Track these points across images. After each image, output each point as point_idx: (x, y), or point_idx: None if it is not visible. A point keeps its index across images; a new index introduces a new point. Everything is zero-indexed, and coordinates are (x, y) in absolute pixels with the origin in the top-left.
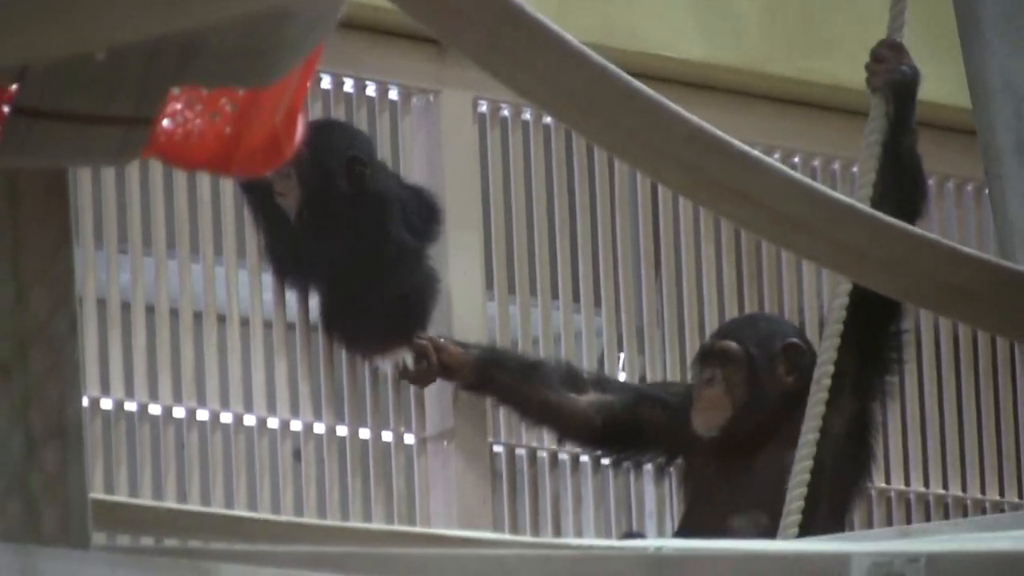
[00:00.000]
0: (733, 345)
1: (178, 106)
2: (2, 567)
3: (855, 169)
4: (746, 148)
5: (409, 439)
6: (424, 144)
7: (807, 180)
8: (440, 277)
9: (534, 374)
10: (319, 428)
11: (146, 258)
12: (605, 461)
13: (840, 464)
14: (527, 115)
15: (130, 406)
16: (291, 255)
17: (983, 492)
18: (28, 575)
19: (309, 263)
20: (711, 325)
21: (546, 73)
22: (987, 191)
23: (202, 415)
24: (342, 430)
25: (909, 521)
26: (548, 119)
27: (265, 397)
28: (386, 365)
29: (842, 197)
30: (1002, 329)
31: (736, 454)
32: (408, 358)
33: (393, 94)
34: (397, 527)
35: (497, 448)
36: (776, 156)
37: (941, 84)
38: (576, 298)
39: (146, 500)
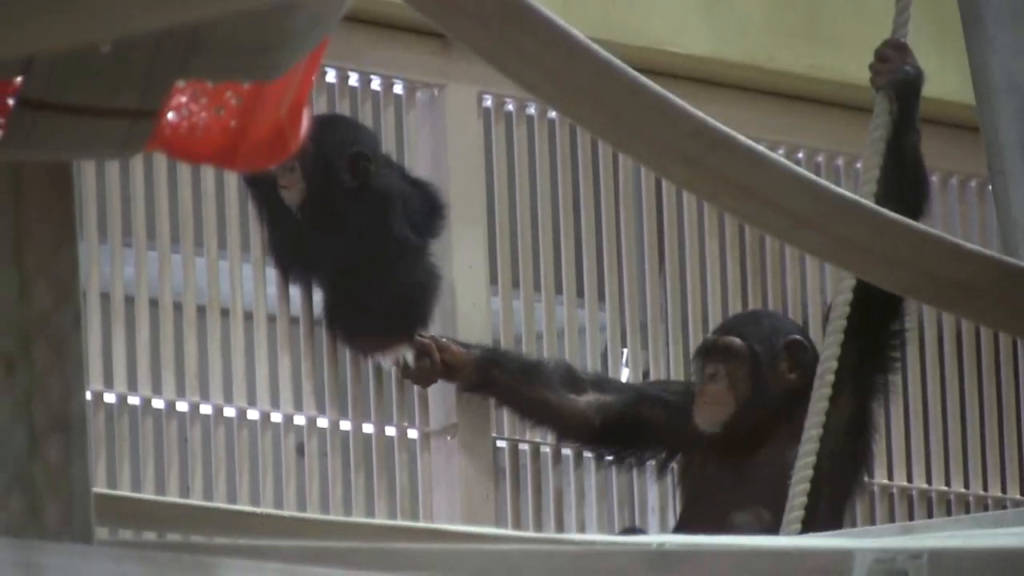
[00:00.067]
0: (737, 341)
1: (183, 99)
2: (4, 561)
3: (859, 165)
4: (751, 144)
5: (412, 434)
6: (429, 138)
7: (811, 176)
8: (442, 274)
9: (534, 375)
10: (322, 423)
11: (150, 252)
12: (606, 461)
13: (839, 461)
14: (532, 109)
15: (133, 400)
16: (294, 249)
17: (986, 488)
18: (30, 569)
19: (311, 258)
20: (715, 321)
21: (551, 68)
22: (990, 187)
23: (205, 409)
24: (345, 425)
25: (912, 517)
26: (553, 114)
27: (268, 391)
28: (386, 362)
29: (846, 193)
30: (1005, 325)
31: (737, 450)
32: (409, 356)
33: (398, 88)
34: (400, 522)
35: (500, 443)
36: (780, 152)
37: (945, 80)
38: (580, 293)
39: (149, 494)
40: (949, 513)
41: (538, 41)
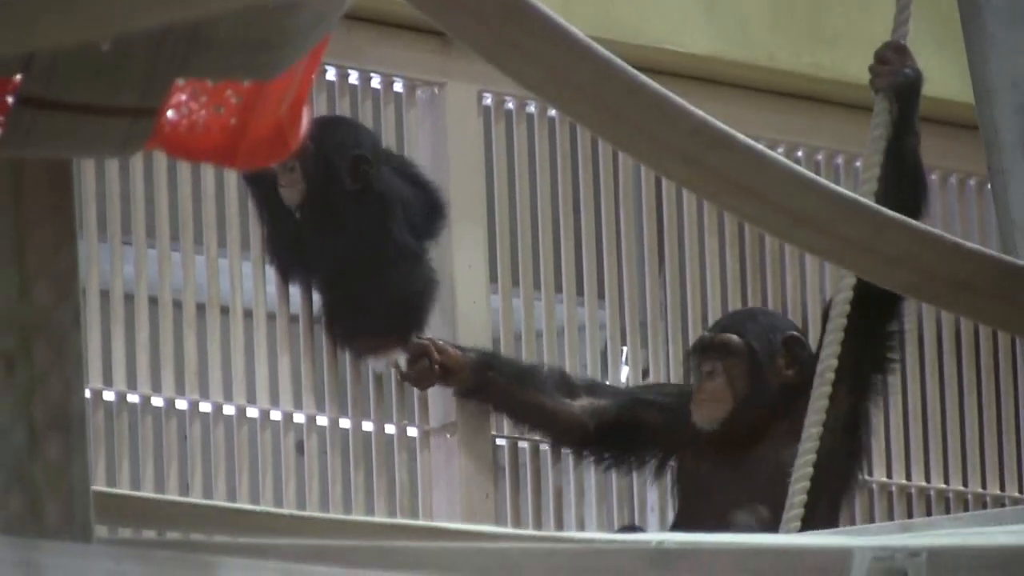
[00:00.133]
0: (734, 338)
1: (183, 97)
2: (4, 560)
3: (859, 164)
4: (751, 142)
5: (412, 432)
6: (429, 137)
7: (811, 175)
8: (439, 279)
9: (529, 379)
10: (322, 421)
11: (150, 250)
12: (603, 465)
13: (836, 458)
14: (532, 108)
15: (133, 398)
16: (292, 249)
17: (984, 486)
18: (30, 568)
19: (310, 258)
20: (714, 319)
21: (551, 66)
22: (990, 186)
23: (205, 407)
24: (345, 423)
25: (911, 515)
26: (553, 112)
27: (268, 389)
28: (380, 365)
29: (846, 192)
30: (1004, 323)
31: (734, 448)
32: (402, 360)
33: (398, 86)
34: (400, 520)
35: (500, 441)
36: (780, 150)
37: (944, 79)
38: (580, 291)
39: (148, 492)
40: (948, 511)
41: (538, 39)
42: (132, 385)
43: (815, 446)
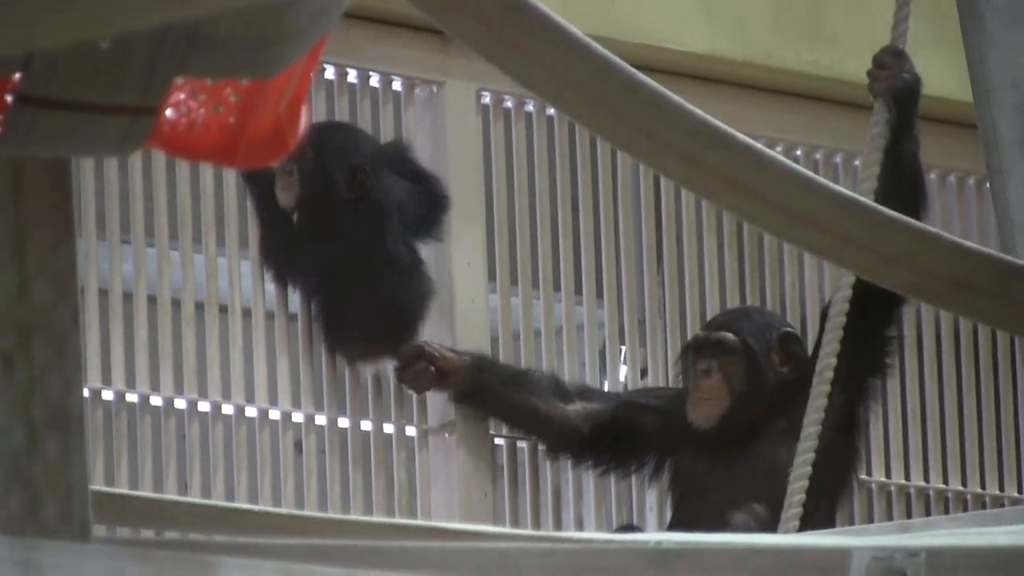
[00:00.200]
0: (730, 336)
1: (182, 96)
2: (3, 559)
3: (857, 163)
4: (749, 141)
5: (411, 431)
6: (428, 135)
7: (810, 173)
8: (434, 287)
9: (523, 383)
10: (321, 420)
11: (148, 249)
12: (598, 470)
13: (832, 457)
14: (530, 106)
15: (131, 397)
16: (287, 250)
17: (983, 487)
18: (29, 567)
19: (303, 261)
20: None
21: (550, 65)
22: (988, 185)
23: (203, 406)
24: (344, 422)
25: (909, 515)
26: (551, 111)
27: (267, 389)
28: (369, 370)
29: (845, 191)
30: (1003, 323)
31: (731, 446)
32: (391, 369)
33: (397, 85)
34: (398, 520)
35: (498, 441)
36: (779, 149)
37: (943, 78)
38: (578, 290)
39: (147, 492)
40: (947, 511)
41: (537, 38)
42: (131, 384)
43: (814, 445)
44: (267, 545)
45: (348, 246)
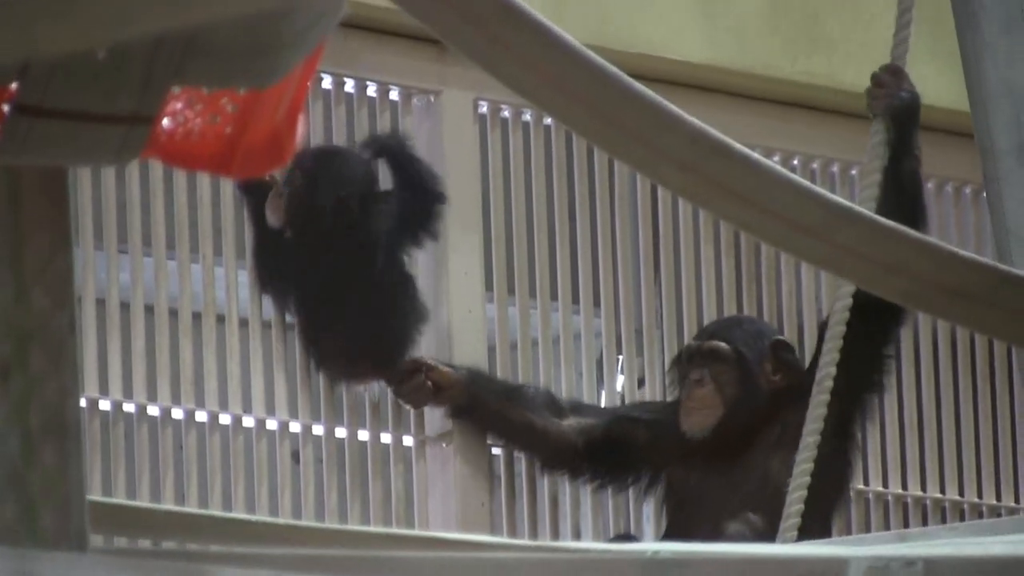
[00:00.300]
0: (722, 345)
1: (178, 106)
2: None
3: (854, 172)
4: (747, 151)
5: (408, 441)
6: (425, 144)
7: (807, 183)
8: (426, 313)
9: (518, 398)
10: (318, 430)
11: (146, 258)
12: (593, 485)
13: (828, 468)
14: (528, 116)
15: (128, 407)
16: (278, 267)
17: (980, 496)
18: None
19: (293, 279)
20: None
21: (547, 74)
22: (985, 194)
23: (201, 416)
24: (341, 432)
25: (906, 525)
26: (549, 120)
27: (264, 399)
28: (356, 390)
29: (842, 200)
30: (1000, 332)
31: (724, 455)
32: (377, 389)
33: (394, 94)
34: (395, 530)
35: (496, 451)
36: (776, 158)
37: (939, 87)
38: (575, 299)
39: (144, 502)
40: (944, 521)
41: (532, 47)
42: (128, 394)
43: (813, 455)
44: (264, 555)
45: (334, 273)
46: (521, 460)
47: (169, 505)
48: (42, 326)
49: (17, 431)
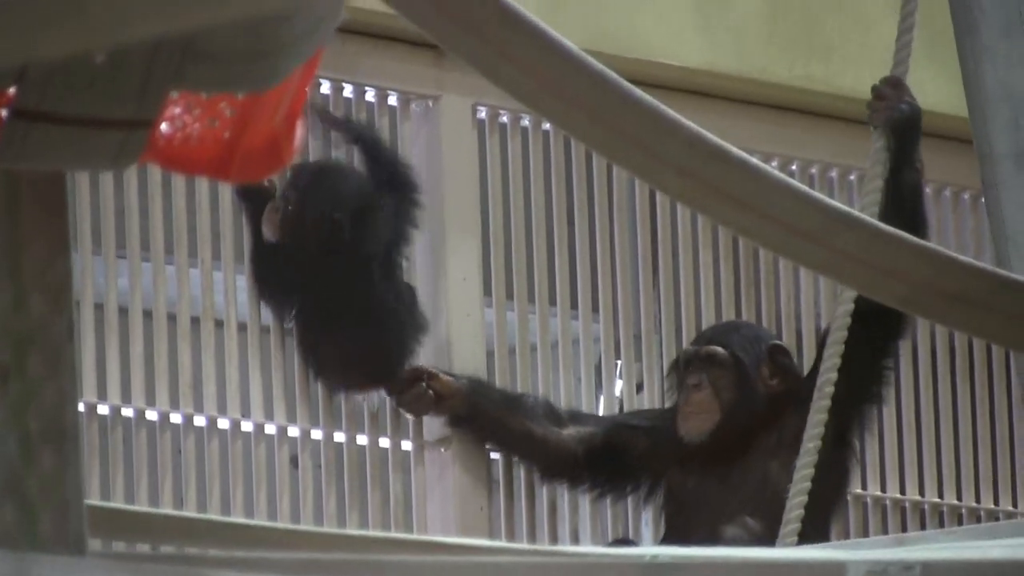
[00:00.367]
0: (719, 350)
1: (177, 110)
2: None
3: (853, 177)
4: (745, 156)
5: (407, 446)
6: (423, 150)
7: (805, 188)
8: (425, 326)
9: (518, 407)
10: (317, 434)
11: (144, 263)
12: (593, 494)
13: (828, 473)
14: (526, 121)
15: (127, 412)
16: (274, 276)
17: (978, 500)
18: None
19: (289, 291)
20: None
21: (545, 80)
22: (983, 199)
23: (199, 421)
24: (340, 436)
25: (905, 529)
26: (547, 125)
27: (263, 403)
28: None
29: (840, 205)
30: (998, 337)
31: (722, 460)
32: (375, 399)
33: (392, 100)
34: (394, 534)
35: (494, 455)
36: (774, 163)
37: (938, 92)
38: (574, 304)
39: (142, 506)
40: (942, 525)
41: (531, 52)
42: (126, 399)
43: (813, 460)
44: (263, 559)
45: (332, 286)
46: (520, 464)
47: (167, 509)
48: (40, 331)
49: (16, 435)
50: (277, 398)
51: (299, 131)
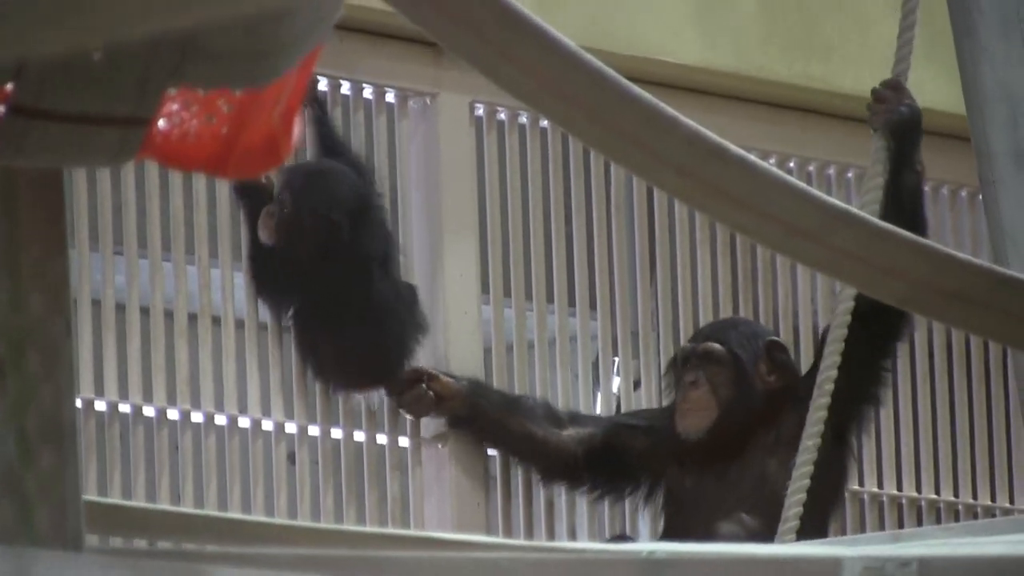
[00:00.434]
0: (717, 346)
1: (175, 107)
2: None
3: (850, 175)
4: (743, 153)
5: (404, 442)
6: (421, 147)
7: (804, 185)
8: (424, 326)
9: (517, 408)
10: (314, 431)
11: (141, 260)
12: (593, 495)
13: (826, 470)
14: (524, 118)
15: (124, 408)
16: (271, 277)
17: (975, 497)
18: None
19: (286, 291)
20: None
21: (544, 77)
22: (981, 197)
23: (196, 417)
24: (337, 433)
25: (901, 526)
26: (545, 122)
27: (260, 399)
28: (354, 399)
29: (838, 203)
30: (996, 335)
31: (719, 457)
32: (374, 400)
33: (390, 97)
34: (391, 530)
35: (491, 451)
36: (772, 161)
37: (936, 90)
38: (572, 301)
39: (140, 502)
40: (939, 521)
41: (530, 50)
42: (124, 395)
43: (813, 458)
44: (260, 555)
45: (330, 287)
46: (519, 466)
47: (165, 505)
48: (38, 329)
49: (14, 433)
50: (274, 394)
51: (296, 128)
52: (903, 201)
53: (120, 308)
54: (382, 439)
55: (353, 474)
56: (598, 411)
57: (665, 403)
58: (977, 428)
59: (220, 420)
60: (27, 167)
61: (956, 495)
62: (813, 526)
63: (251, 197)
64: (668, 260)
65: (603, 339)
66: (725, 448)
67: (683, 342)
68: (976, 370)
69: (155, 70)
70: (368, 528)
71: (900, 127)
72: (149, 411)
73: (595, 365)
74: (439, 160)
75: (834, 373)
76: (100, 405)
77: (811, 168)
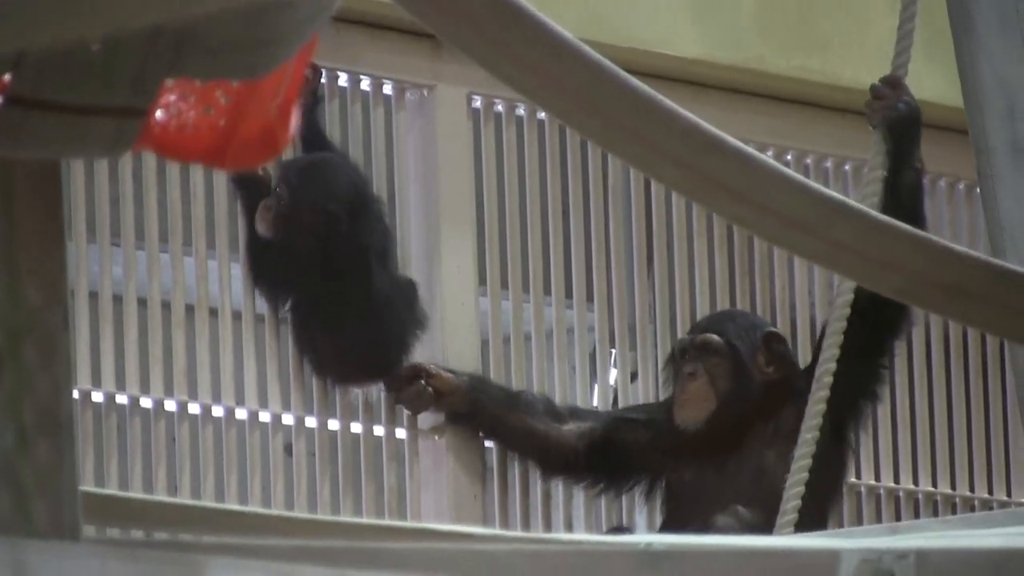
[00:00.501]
0: (715, 338)
1: (172, 98)
2: None
3: (848, 167)
4: (741, 146)
5: (401, 434)
6: (418, 139)
7: (801, 178)
8: (424, 320)
9: (517, 403)
10: (311, 422)
11: (139, 251)
12: (593, 490)
13: (825, 463)
14: (521, 110)
15: (121, 399)
16: (269, 269)
17: (972, 489)
18: (17, 568)
19: (285, 283)
20: None
21: (542, 70)
22: (978, 190)
23: (193, 408)
24: (334, 424)
25: (899, 518)
26: (542, 114)
27: (256, 391)
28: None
29: (836, 195)
30: (994, 328)
31: (718, 449)
32: (374, 392)
33: (388, 89)
34: (388, 521)
35: (488, 443)
36: (770, 153)
37: (934, 83)
38: (568, 293)
39: (137, 493)
40: (936, 514)
41: (529, 42)
42: (121, 386)
43: (812, 451)
44: (256, 546)
45: (328, 281)
46: (520, 462)
47: (162, 496)
48: (35, 321)
49: (11, 425)
50: (272, 386)
51: (294, 119)
52: (902, 198)
53: (117, 300)
54: (379, 431)
55: (350, 465)
56: (595, 403)
57: (664, 396)
58: (974, 421)
59: (217, 411)
60: (24, 159)
61: (953, 488)
62: (812, 519)
63: (249, 189)
64: (665, 252)
65: (600, 331)
66: (723, 440)
67: (680, 334)
68: (974, 363)
69: (153, 61)
70: (365, 519)
71: (899, 124)
72: (146, 402)
73: (592, 357)
74: (436, 152)
75: (833, 366)
76: (97, 396)
77: (808, 161)
